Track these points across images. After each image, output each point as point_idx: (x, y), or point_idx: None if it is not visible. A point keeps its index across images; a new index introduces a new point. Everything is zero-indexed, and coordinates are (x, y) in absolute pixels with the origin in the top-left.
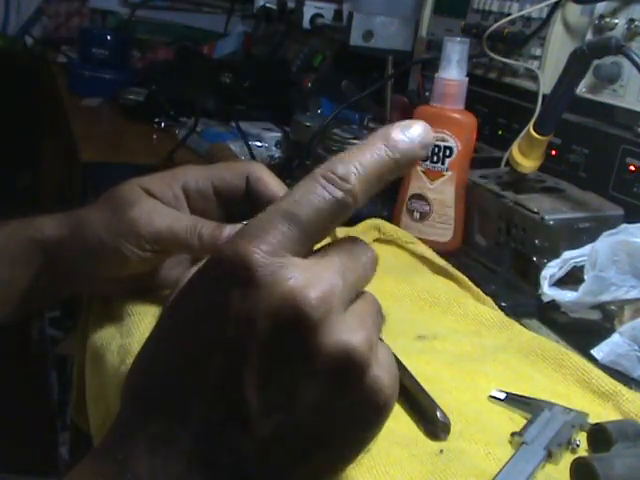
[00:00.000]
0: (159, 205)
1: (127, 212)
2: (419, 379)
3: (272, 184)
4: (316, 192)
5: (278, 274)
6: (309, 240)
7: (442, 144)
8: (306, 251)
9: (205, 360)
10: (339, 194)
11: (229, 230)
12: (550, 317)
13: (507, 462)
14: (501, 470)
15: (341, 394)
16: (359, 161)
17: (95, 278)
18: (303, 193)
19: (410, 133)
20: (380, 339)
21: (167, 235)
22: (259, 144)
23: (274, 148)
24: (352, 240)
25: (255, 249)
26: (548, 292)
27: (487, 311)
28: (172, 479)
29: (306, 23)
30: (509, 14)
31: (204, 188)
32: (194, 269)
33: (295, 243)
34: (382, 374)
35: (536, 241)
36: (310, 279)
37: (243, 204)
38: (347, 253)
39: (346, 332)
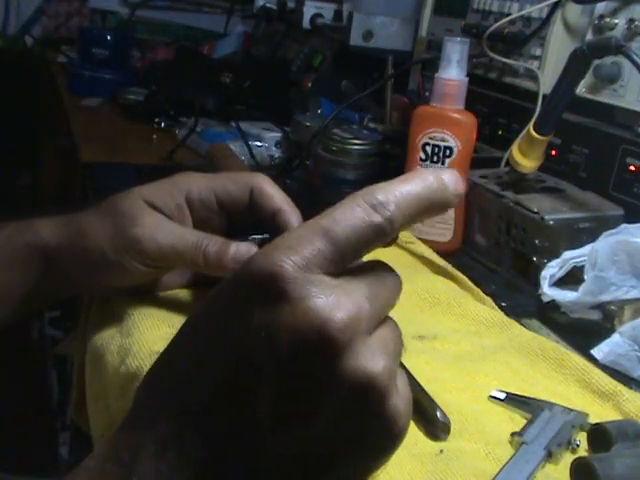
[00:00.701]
0: (163, 220)
1: (130, 229)
2: (419, 379)
3: (276, 197)
4: (356, 214)
5: (307, 290)
6: (342, 260)
7: (442, 144)
8: (337, 271)
9: (222, 371)
10: (378, 219)
11: (234, 248)
12: (550, 317)
13: (507, 462)
14: (501, 470)
15: (358, 420)
16: (400, 191)
17: (96, 285)
18: (343, 213)
19: (448, 178)
20: (401, 363)
21: (171, 253)
22: (259, 144)
23: (274, 148)
24: (379, 264)
25: (287, 260)
26: (548, 292)
27: (487, 311)
28: None
29: (306, 23)
30: (509, 14)
31: (207, 199)
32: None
33: (328, 261)
34: (400, 403)
35: (536, 241)
36: (339, 300)
37: (246, 215)
38: (375, 277)
39: (369, 359)
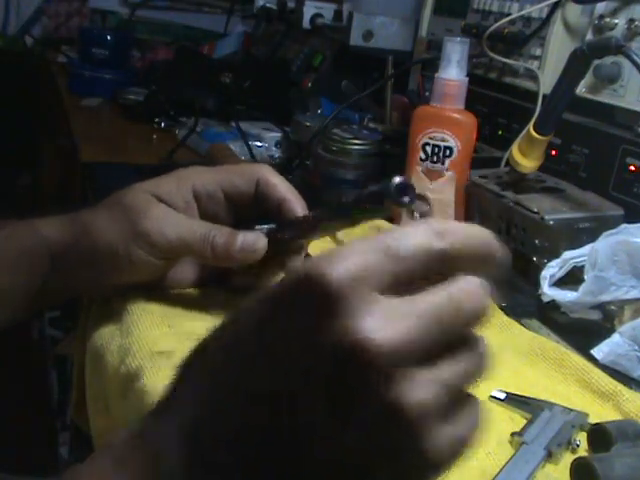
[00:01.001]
0: (170, 212)
1: (138, 222)
2: None
3: (280, 186)
4: (419, 235)
5: (357, 309)
6: (400, 280)
7: (442, 144)
8: (396, 291)
9: (261, 376)
10: (442, 244)
11: (242, 239)
12: (550, 317)
13: (507, 462)
14: (501, 470)
15: (387, 443)
16: (463, 229)
17: (102, 283)
18: (405, 233)
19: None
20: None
21: (179, 245)
22: (259, 144)
23: (274, 148)
24: (463, 282)
25: (343, 274)
26: (548, 292)
27: None
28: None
29: (306, 23)
30: (509, 14)
31: (214, 192)
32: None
33: (387, 277)
34: (440, 444)
35: (536, 241)
36: (388, 323)
37: (252, 207)
38: (447, 300)
39: (409, 389)
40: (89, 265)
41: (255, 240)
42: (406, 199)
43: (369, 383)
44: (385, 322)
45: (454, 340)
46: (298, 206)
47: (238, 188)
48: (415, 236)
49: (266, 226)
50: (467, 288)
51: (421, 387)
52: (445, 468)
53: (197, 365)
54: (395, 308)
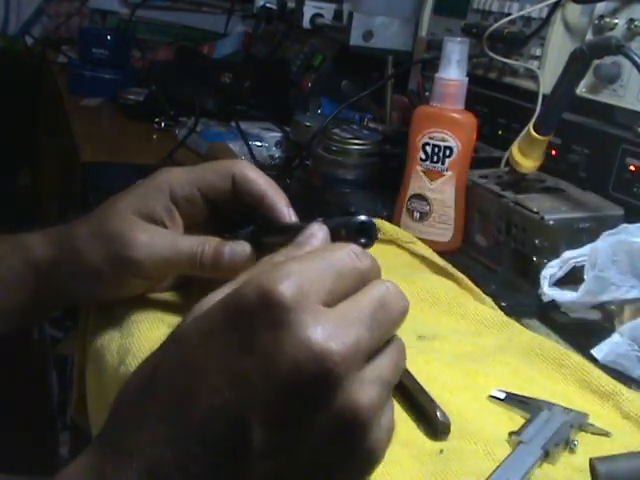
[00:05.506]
0: (155, 233)
1: (124, 251)
2: (419, 379)
3: (258, 181)
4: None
5: (308, 320)
6: (338, 293)
7: (442, 144)
8: (338, 298)
9: (214, 391)
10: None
11: (229, 251)
12: (550, 317)
13: (503, 461)
14: (497, 469)
15: (340, 449)
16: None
17: (94, 298)
18: (337, 247)
19: None
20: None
21: (168, 268)
22: (259, 144)
23: (274, 148)
24: (386, 288)
25: (289, 288)
26: (548, 292)
27: (487, 311)
28: None
29: (306, 23)
30: (509, 14)
31: (191, 195)
32: (214, 296)
33: (329, 292)
34: (380, 437)
35: (536, 241)
36: (338, 332)
37: (231, 203)
38: (379, 304)
39: (359, 392)
40: (80, 283)
41: (242, 250)
42: (364, 241)
43: (326, 391)
44: (336, 331)
45: (383, 340)
46: (279, 202)
47: (214, 186)
48: (346, 257)
49: (249, 229)
50: (390, 290)
51: (369, 387)
52: (379, 463)
53: (148, 401)
54: (340, 317)
